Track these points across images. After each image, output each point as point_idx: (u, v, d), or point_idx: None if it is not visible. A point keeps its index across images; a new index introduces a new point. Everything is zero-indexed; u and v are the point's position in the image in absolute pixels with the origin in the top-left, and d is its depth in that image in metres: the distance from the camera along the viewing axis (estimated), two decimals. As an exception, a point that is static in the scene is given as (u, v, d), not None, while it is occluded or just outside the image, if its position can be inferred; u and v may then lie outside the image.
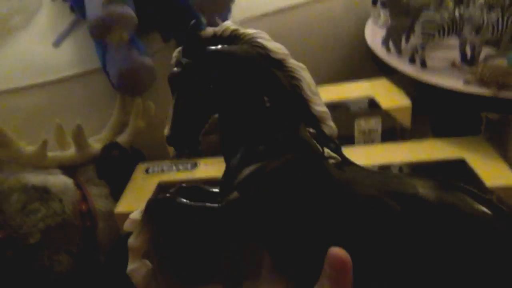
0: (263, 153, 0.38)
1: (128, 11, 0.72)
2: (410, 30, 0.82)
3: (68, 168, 0.78)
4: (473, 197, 0.37)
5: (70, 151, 0.78)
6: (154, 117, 0.85)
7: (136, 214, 0.41)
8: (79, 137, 0.76)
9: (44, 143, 0.74)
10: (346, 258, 0.33)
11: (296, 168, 0.37)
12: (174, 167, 0.76)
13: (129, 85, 0.79)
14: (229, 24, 0.40)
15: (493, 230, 0.36)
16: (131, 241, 0.40)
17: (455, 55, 0.81)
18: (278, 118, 0.38)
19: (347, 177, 0.38)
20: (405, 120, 0.79)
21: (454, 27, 0.77)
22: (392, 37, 0.87)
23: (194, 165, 0.76)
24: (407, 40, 0.85)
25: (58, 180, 0.73)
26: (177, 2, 0.84)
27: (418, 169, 0.66)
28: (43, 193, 0.70)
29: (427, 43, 0.79)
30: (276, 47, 0.39)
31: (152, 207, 0.39)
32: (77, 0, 0.89)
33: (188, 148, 0.40)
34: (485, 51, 0.78)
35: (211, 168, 0.75)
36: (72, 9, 0.95)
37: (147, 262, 0.41)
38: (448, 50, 0.85)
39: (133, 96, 0.83)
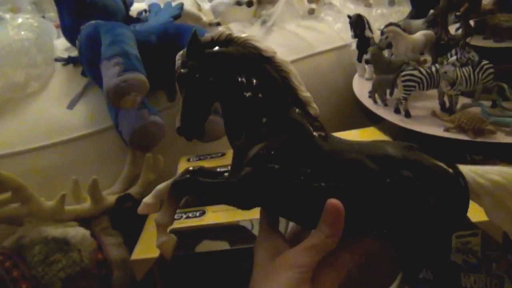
0: (265, 134, 0.45)
1: (142, 78, 0.79)
2: (393, 84, 0.91)
3: (84, 219, 0.83)
4: (430, 154, 0.46)
5: (86, 204, 0.83)
6: (163, 169, 0.92)
7: (148, 199, 0.47)
8: (95, 191, 0.81)
9: (62, 198, 0.80)
10: (339, 205, 0.42)
11: (294, 143, 0.45)
12: (183, 215, 0.82)
13: (142, 142, 0.86)
14: (224, 30, 0.48)
15: (445, 178, 0.45)
16: (158, 218, 0.46)
17: (436, 105, 0.90)
18: (272, 104, 0.46)
19: (333, 147, 0.46)
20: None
21: (432, 81, 0.86)
22: (378, 90, 0.96)
23: (203, 213, 0.82)
24: (391, 93, 0.94)
25: (76, 232, 0.78)
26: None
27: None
28: (63, 244, 0.75)
29: (408, 96, 0.87)
30: (266, 46, 0.47)
31: (177, 186, 0.46)
32: (88, 66, 0.97)
33: (195, 136, 0.47)
34: (462, 101, 0.87)
35: (219, 215, 0.81)
36: (83, 73, 1.04)
37: (173, 235, 0.47)
38: (429, 100, 0.94)
39: (144, 152, 0.89)
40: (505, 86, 0.84)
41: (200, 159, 0.93)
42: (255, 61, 0.47)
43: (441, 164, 0.47)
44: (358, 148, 0.47)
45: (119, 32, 0.89)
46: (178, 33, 0.97)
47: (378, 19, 1.33)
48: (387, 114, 0.93)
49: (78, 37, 0.99)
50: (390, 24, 1.02)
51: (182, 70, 0.46)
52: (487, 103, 0.86)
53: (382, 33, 1.00)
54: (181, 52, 0.48)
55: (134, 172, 0.91)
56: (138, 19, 1.14)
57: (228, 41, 0.47)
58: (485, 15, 1.01)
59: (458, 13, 1.01)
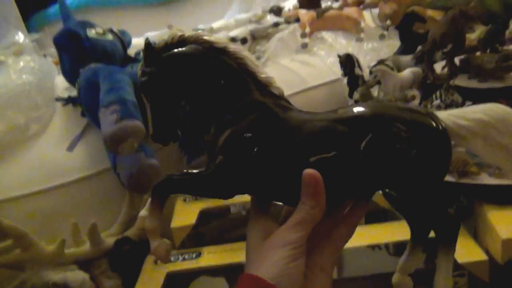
0: (230, 121, 0.46)
1: (138, 124, 0.83)
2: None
3: (83, 262, 0.85)
4: (396, 107, 0.46)
5: (85, 247, 0.86)
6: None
7: (143, 212, 0.48)
8: (94, 235, 0.84)
9: (62, 243, 0.82)
10: (316, 174, 0.42)
11: (260, 123, 0.46)
12: (180, 257, 0.84)
13: (139, 185, 0.89)
14: (175, 32, 0.49)
15: (420, 125, 0.44)
16: (147, 223, 0.47)
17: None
18: (234, 92, 0.47)
19: (300, 119, 0.46)
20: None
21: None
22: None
23: (199, 255, 0.84)
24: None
25: (76, 276, 0.80)
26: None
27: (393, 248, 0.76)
28: (64, 289, 0.78)
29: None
30: (217, 39, 0.49)
31: (157, 188, 0.46)
32: (87, 108, 1.01)
33: (171, 140, 0.48)
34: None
35: (214, 257, 0.84)
36: (83, 114, 1.07)
37: (165, 239, 0.47)
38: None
39: (141, 194, 0.92)
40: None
41: (196, 199, 0.96)
42: (210, 54, 0.48)
43: (414, 110, 0.46)
44: (325, 116, 0.47)
45: (117, 78, 0.92)
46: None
47: (369, 52, 1.37)
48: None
49: (77, 80, 1.02)
50: (379, 62, 1.06)
51: (142, 79, 0.47)
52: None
53: (371, 72, 1.04)
54: (140, 63, 0.49)
55: (132, 213, 0.94)
56: (136, 59, 1.17)
57: (182, 42, 0.48)
58: (470, 54, 1.05)
59: (445, 50, 1.04)
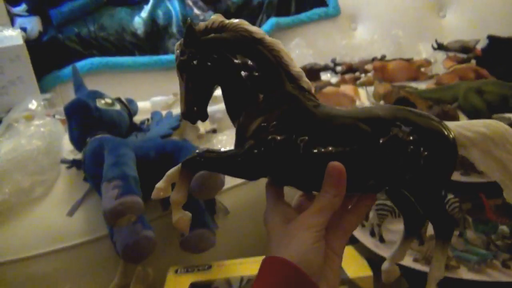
0: (264, 109, 0.50)
1: (137, 200, 0.87)
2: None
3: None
4: (415, 113, 0.52)
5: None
6: (152, 282, 0.98)
7: (160, 184, 0.52)
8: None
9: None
10: (341, 167, 0.47)
11: (292, 114, 0.50)
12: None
13: (133, 256, 0.92)
14: (215, 17, 0.53)
15: (434, 132, 0.51)
16: (173, 195, 0.51)
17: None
18: (267, 81, 0.52)
19: (327, 114, 0.51)
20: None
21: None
22: (355, 211, 1.04)
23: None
24: (367, 217, 1.02)
25: None
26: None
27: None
28: None
29: (382, 223, 0.95)
30: (257, 29, 0.53)
31: (188, 163, 0.50)
32: (90, 176, 1.06)
33: (199, 118, 0.52)
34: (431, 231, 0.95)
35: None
36: (85, 179, 1.12)
37: (187, 212, 0.52)
38: (403, 223, 1.01)
39: (135, 264, 0.96)
40: (469, 219, 0.92)
41: (188, 271, 0.99)
42: (247, 43, 0.52)
43: (430, 117, 0.52)
44: (349, 113, 0.52)
45: (121, 152, 0.98)
46: (175, 149, 1.06)
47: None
48: (363, 236, 1.00)
49: (84, 148, 1.08)
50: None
51: (181, 58, 0.51)
52: (455, 233, 0.94)
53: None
54: (178, 42, 0.52)
55: (125, 282, 0.97)
56: (140, 128, 1.24)
57: (221, 27, 0.52)
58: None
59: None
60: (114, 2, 1.79)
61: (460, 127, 0.53)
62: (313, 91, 0.55)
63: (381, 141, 0.49)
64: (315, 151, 0.49)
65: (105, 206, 0.87)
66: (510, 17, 2.03)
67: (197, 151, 0.51)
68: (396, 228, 1.01)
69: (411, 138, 0.50)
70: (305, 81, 0.54)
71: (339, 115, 0.52)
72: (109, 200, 0.87)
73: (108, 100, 1.17)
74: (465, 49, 1.76)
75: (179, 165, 0.51)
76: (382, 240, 0.96)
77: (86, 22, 1.68)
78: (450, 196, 0.92)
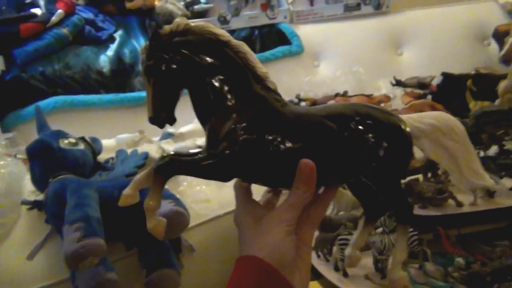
0: (234, 110, 0.51)
1: (100, 242, 0.86)
2: (331, 244, 1.01)
3: None
4: (374, 108, 0.56)
5: None
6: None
7: (127, 190, 0.51)
8: None
9: None
10: (311, 164, 0.50)
11: (262, 114, 0.51)
12: None
13: (96, 300, 0.90)
14: (180, 21, 0.53)
15: (392, 125, 0.55)
16: (147, 202, 0.50)
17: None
18: (235, 83, 0.52)
19: (295, 113, 0.53)
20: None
21: (365, 246, 0.96)
22: (320, 247, 1.05)
23: None
24: (330, 251, 1.03)
25: None
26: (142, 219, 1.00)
27: None
28: None
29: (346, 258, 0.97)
30: (223, 32, 0.54)
31: (160, 168, 0.49)
32: (52, 218, 1.04)
33: (168, 123, 0.51)
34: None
35: None
36: (47, 221, 1.10)
37: (162, 218, 0.51)
38: (368, 257, 1.03)
39: (97, 308, 0.93)
40: (428, 251, 0.95)
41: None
42: (214, 45, 0.52)
43: (389, 113, 0.56)
44: (315, 111, 0.55)
45: (84, 193, 0.97)
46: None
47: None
48: (327, 271, 1.01)
49: (46, 189, 1.06)
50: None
51: (148, 62, 0.51)
52: (415, 265, 0.96)
53: (325, 191, 1.12)
54: (143, 46, 0.53)
55: (86, 327, 0.94)
56: (105, 167, 1.23)
57: (186, 30, 0.53)
58: (412, 176, 1.16)
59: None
60: (80, 41, 1.79)
61: (412, 119, 0.58)
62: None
63: (345, 136, 0.53)
64: (286, 149, 0.51)
65: (66, 249, 0.85)
66: (462, 55, 2.15)
67: (165, 154, 0.52)
68: (361, 263, 1.03)
69: (372, 131, 0.53)
70: (271, 82, 0.56)
71: (306, 113, 0.55)
72: (71, 243, 0.85)
73: (72, 140, 1.16)
74: (421, 85, 1.85)
75: (149, 169, 0.51)
76: (346, 274, 0.97)
77: (51, 61, 1.67)
78: (409, 229, 0.95)
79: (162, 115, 0.51)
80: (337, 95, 1.87)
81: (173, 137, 1.53)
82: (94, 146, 1.24)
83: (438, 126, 0.57)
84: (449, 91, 1.75)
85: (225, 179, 0.53)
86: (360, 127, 0.54)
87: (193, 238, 1.14)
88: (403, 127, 0.56)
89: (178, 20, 0.54)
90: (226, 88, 0.53)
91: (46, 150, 1.09)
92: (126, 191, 0.51)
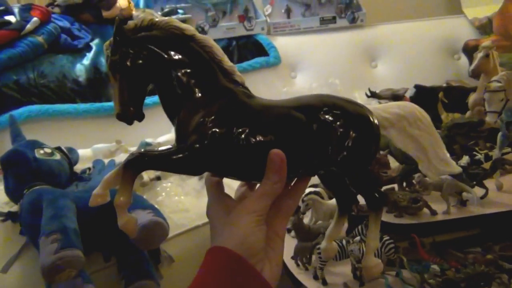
0: (202, 104, 0.51)
1: (77, 254, 0.85)
2: (310, 253, 1.02)
3: None
4: (341, 99, 0.57)
5: None
6: None
7: (97, 190, 0.50)
8: None
9: None
10: (282, 154, 0.50)
11: (230, 107, 0.52)
12: None
13: (73, 313, 0.89)
14: (145, 15, 0.53)
15: (360, 115, 0.56)
16: (117, 199, 0.49)
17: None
18: (202, 77, 0.52)
19: (262, 105, 0.54)
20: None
21: (343, 253, 0.97)
22: (299, 255, 1.06)
23: None
24: (309, 260, 1.04)
25: None
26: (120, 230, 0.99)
27: None
28: None
29: (324, 266, 0.98)
30: (187, 26, 0.54)
31: (130, 164, 0.49)
32: (27, 229, 1.01)
33: (136, 119, 0.50)
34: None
35: None
36: (22, 232, 1.07)
37: (133, 215, 0.51)
38: (346, 265, 1.04)
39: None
40: (404, 259, 0.97)
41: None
42: (179, 40, 0.52)
43: (356, 103, 0.57)
44: (282, 103, 0.55)
45: (61, 204, 0.96)
46: (117, 199, 1.05)
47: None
48: (306, 280, 1.02)
49: (21, 200, 1.04)
50: (310, 192, 1.16)
51: (112, 57, 0.50)
52: (392, 273, 0.98)
53: (303, 200, 1.14)
54: (107, 42, 0.52)
55: None
56: (81, 177, 1.21)
57: (151, 25, 0.52)
58: (388, 186, 1.18)
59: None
60: (55, 49, 1.76)
61: (379, 109, 0.59)
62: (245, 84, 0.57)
63: (314, 127, 0.53)
64: (255, 141, 0.51)
65: (43, 261, 0.84)
66: (433, 68, 2.22)
67: (137, 152, 0.51)
68: (338, 270, 1.04)
69: (340, 122, 0.54)
70: (238, 75, 0.56)
71: (274, 105, 0.55)
72: (48, 255, 0.84)
73: (48, 150, 1.14)
74: (395, 96, 1.89)
75: (118, 167, 0.50)
76: (325, 283, 0.98)
77: (25, 69, 1.64)
78: (385, 237, 0.97)
79: (130, 111, 0.50)
80: (313, 106, 1.89)
81: (151, 147, 1.52)
82: (70, 156, 1.22)
83: (404, 115, 0.58)
84: (422, 103, 1.77)
85: (195, 172, 0.53)
86: (328, 117, 0.54)
87: (172, 248, 1.13)
88: (370, 117, 0.56)
89: (143, 15, 0.55)
90: (193, 81, 0.52)
91: (21, 160, 1.07)
92: (96, 190, 0.51)
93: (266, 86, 2.03)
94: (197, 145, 0.50)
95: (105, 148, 1.52)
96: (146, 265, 1.02)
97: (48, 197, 0.98)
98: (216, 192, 0.56)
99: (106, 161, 1.29)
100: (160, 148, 0.51)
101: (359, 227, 1.00)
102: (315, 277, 1.01)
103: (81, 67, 1.77)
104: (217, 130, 0.50)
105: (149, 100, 1.76)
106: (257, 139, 0.51)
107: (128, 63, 0.50)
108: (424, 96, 1.85)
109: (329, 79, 2.08)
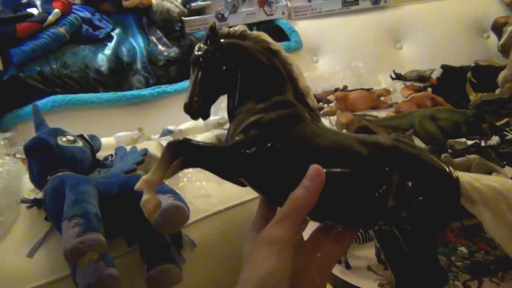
0: (261, 109, 0.50)
1: (99, 238, 0.85)
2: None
3: None
4: (419, 147, 0.50)
5: None
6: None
7: (148, 176, 0.48)
8: None
9: None
10: (321, 170, 0.40)
11: (286, 120, 0.49)
12: None
13: (96, 297, 0.90)
14: (239, 27, 0.56)
15: (439, 173, 0.46)
16: (148, 176, 0.47)
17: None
18: (273, 88, 0.52)
19: (324, 131, 0.50)
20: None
21: (367, 236, 0.95)
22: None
23: None
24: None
25: None
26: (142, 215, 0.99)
27: None
28: None
29: (347, 250, 0.96)
30: (274, 42, 0.55)
31: (172, 145, 0.48)
32: (51, 215, 1.03)
33: (201, 116, 0.52)
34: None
35: None
36: (46, 218, 1.09)
37: (158, 196, 0.47)
38: (370, 249, 1.02)
39: (98, 304, 0.93)
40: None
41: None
42: (264, 52, 0.54)
43: (435, 159, 0.47)
44: (350, 134, 0.52)
45: (82, 189, 0.96)
46: (138, 185, 1.05)
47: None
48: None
49: (44, 186, 1.06)
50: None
51: (197, 53, 0.53)
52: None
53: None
54: (199, 43, 0.54)
55: (88, 324, 0.93)
56: (103, 164, 1.22)
57: (243, 36, 0.55)
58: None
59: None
60: (77, 40, 1.79)
61: (470, 177, 0.46)
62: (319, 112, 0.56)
63: (375, 166, 0.46)
64: (297, 158, 0.46)
65: (65, 245, 0.84)
66: (461, 48, 2.14)
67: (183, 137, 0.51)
68: (361, 254, 1.02)
69: (410, 168, 0.45)
70: (312, 99, 0.54)
71: (338, 133, 0.52)
72: (70, 239, 0.84)
73: (70, 137, 1.15)
74: (421, 78, 1.84)
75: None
76: (348, 266, 0.96)
77: (48, 60, 1.67)
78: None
79: (196, 105, 0.51)
80: (336, 90, 1.86)
81: (173, 134, 1.53)
82: (92, 144, 1.23)
83: (504, 194, 0.44)
84: (449, 84, 1.74)
85: (229, 174, 0.50)
86: (396, 160, 0.45)
87: (194, 233, 1.13)
88: (448, 171, 0.46)
89: (239, 26, 0.57)
90: (263, 91, 0.52)
91: (44, 147, 1.08)
92: (146, 176, 0.49)
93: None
94: (239, 145, 0.48)
95: (127, 136, 1.53)
96: (168, 249, 1.02)
97: (70, 183, 0.99)
98: (261, 219, 0.49)
99: (128, 148, 1.29)
100: (209, 143, 0.52)
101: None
102: (339, 261, 0.99)
103: (102, 57, 1.78)
104: (264, 135, 0.48)
105: (170, 87, 1.78)
106: (300, 158, 0.46)
107: (208, 61, 0.53)
108: (451, 77, 1.78)
109: (352, 62, 2.04)
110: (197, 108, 0.52)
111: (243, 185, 0.52)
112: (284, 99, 0.52)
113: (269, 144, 0.48)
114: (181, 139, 0.49)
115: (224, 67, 0.53)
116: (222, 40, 0.54)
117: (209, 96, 0.53)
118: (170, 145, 0.49)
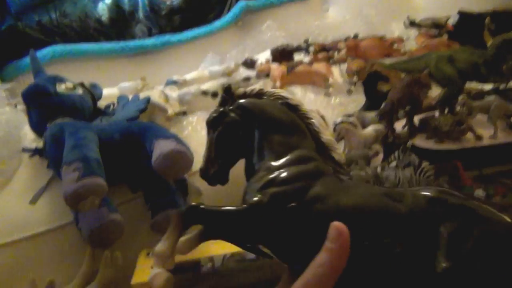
0: (279, 166, 0.48)
1: (100, 182, 0.83)
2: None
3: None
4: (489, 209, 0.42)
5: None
6: (121, 266, 0.93)
7: (158, 248, 0.45)
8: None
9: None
10: (344, 229, 0.32)
11: (308, 176, 0.46)
12: None
13: (100, 241, 0.88)
14: (256, 86, 0.55)
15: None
16: (158, 247, 0.45)
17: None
18: (293, 143, 0.50)
19: (349, 183, 0.47)
20: None
21: (378, 181, 0.91)
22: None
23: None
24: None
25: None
26: (145, 161, 0.95)
27: None
28: None
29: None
30: (293, 97, 0.54)
31: (186, 214, 0.46)
32: (52, 162, 1.00)
33: (219, 182, 0.51)
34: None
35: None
36: (49, 166, 1.06)
37: (169, 273, 0.44)
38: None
39: (102, 249, 0.91)
40: (446, 186, 0.90)
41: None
42: (281, 109, 0.52)
43: (502, 215, 0.43)
44: (379, 189, 0.46)
45: (82, 135, 0.93)
46: (140, 131, 1.01)
47: (336, 107, 1.41)
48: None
49: (44, 134, 1.02)
50: (342, 121, 1.09)
51: (213, 114, 0.52)
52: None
53: (335, 130, 1.07)
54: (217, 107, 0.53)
55: (93, 267, 0.92)
56: (105, 112, 1.19)
57: (259, 94, 0.53)
58: (429, 112, 1.10)
59: (405, 109, 1.09)
60: (76, -12, 1.72)
61: None
62: (342, 162, 0.50)
63: (416, 223, 0.40)
64: (324, 220, 0.36)
65: (65, 189, 0.82)
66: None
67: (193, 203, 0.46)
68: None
69: (467, 225, 0.41)
70: (337, 152, 0.51)
71: (369, 193, 0.45)
72: (70, 183, 0.82)
73: (69, 85, 1.11)
74: (436, 25, 1.75)
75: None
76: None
77: (47, 10, 1.61)
78: (425, 163, 0.90)
79: (213, 169, 0.50)
80: (347, 38, 1.78)
81: (177, 84, 1.48)
82: (93, 92, 1.19)
83: None
84: (466, 30, 1.65)
85: (245, 239, 0.46)
86: (444, 213, 0.40)
87: (200, 181, 1.10)
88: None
89: (254, 86, 0.56)
90: (282, 147, 0.50)
91: (42, 94, 1.04)
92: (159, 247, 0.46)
93: (296, 21, 1.93)
94: (257, 206, 0.45)
95: (131, 86, 1.49)
96: (173, 195, 0.99)
97: (69, 129, 0.96)
98: (287, 273, 0.45)
99: (130, 96, 1.25)
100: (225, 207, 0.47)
101: (396, 153, 0.93)
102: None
103: (103, 6, 1.72)
104: (282, 192, 0.45)
105: (174, 37, 1.71)
106: (321, 216, 0.42)
107: (225, 124, 0.51)
108: (468, 23, 1.70)
109: (364, 10, 1.95)
110: (214, 173, 0.50)
111: (265, 254, 0.48)
112: (303, 154, 0.49)
113: (287, 203, 0.44)
114: (191, 205, 0.45)
115: (241, 131, 0.51)
116: (238, 101, 0.52)
117: (226, 160, 0.51)
118: (184, 214, 0.46)
